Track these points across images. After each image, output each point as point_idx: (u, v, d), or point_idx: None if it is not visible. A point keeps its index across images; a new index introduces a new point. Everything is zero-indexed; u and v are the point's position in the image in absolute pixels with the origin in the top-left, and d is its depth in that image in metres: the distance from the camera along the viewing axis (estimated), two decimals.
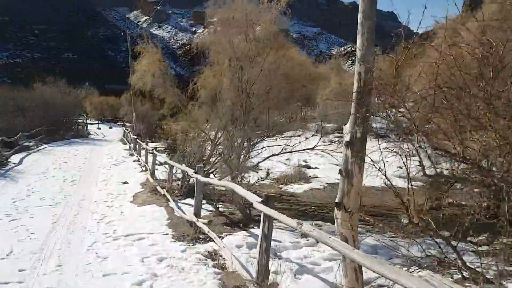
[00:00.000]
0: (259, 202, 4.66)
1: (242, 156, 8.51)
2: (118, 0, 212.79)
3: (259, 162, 9.35)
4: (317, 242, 5.92)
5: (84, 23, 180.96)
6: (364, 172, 4.24)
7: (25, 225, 8.58)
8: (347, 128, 4.16)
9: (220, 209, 9.46)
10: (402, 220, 6.84)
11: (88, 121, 51.31)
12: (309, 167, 16.42)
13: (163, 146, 23.59)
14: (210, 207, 9.92)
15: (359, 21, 4.00)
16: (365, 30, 3.94)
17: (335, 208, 4.25)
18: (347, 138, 4.14)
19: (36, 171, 15.94)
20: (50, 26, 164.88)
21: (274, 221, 4.75)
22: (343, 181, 4.17)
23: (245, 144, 8.59)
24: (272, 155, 9.12)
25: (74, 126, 37.79)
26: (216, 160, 11.52)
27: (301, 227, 3.85)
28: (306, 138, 9.66)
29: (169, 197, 10.28)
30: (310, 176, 14.82)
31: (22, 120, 25.98)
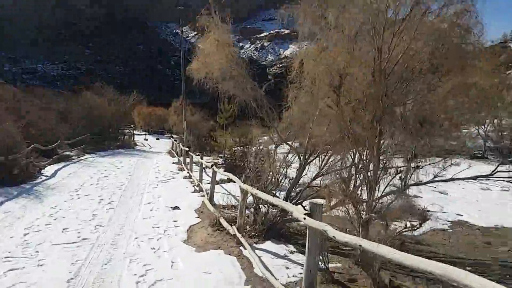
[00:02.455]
0: None
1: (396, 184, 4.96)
2: (168, 15, 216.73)
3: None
4: None
5: (136, 37, 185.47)
6: None
7: (26, 283, 5.41)
8: None
9: (330, 268, 5.87)
10: None
11: (135, 132, 49.61)
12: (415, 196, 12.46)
13: (216, 160, 20.45)
14: (302, 258, 6.42)
15: None
16: None
17: None
18: None
19: (70, 187, 13.05)
20: (104, 39, 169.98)
21: None
22: None
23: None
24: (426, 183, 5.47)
25: (120, 136, 35.66)
26: (306, 186, 8.01)
27: None
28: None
29: (243, 240, 6.82)
30: (421, 208, 10.93)
31: (64, 127, 23.73)
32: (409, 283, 5.83)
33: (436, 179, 5.80)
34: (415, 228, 5.28)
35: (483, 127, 21.58)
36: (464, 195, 13.81)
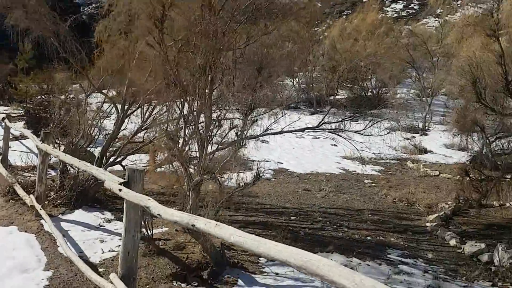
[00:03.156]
0: None
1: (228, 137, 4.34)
2: None
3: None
4: None
5: None
6: None
7: None
8: None
9: (155, 235, 5.10)
10: None
11: None
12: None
13: (17, 111, 17.09)
14: (121, 226, 5.52)
15: None
16: None
17: None
18: None
19: None
20: None
21: None
22: None
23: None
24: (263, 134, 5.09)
25: None
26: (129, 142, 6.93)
27: None
28: None
29: (42, 213, 5.44)
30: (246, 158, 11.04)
31: None
32: None
33: (268, 132, 5.50)
34: (249, 186, 4.89)
35: (296, 79, 23.28)
36: (282, 143, 14.61)
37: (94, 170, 3.92)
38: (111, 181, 3.42)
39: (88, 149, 7.56)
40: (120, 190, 3.20)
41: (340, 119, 5.62)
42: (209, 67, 3.95)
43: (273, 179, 9.63)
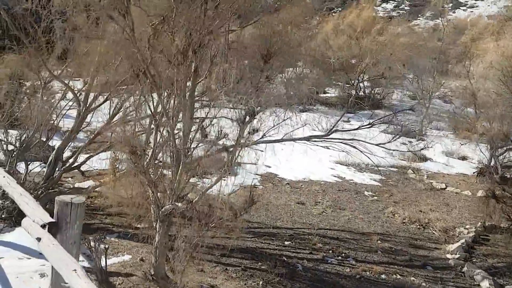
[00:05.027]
0: None
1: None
2: None
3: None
4: None
5: None
6: None
7: None
8: None
9: (112, 267, 3.89)
10: None
11: None
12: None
13: None
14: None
15: None
16: None
17: None
18: None
19: None
20: None
21: None
22: None
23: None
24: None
25: None
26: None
27: None
28: None
29: None
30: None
31: None
32: (221, 277, 4.38)
33: (264, 139, 4.40)
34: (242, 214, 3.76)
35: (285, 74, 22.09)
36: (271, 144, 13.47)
37: (17, 195, 2.69)
38: (33, 219, 2.22)
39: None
40: (39, 239, 1.99)
41: (355, 127, 4.53)
42: (192, 51, 2.77)
43: (261, 186, 8.50)
